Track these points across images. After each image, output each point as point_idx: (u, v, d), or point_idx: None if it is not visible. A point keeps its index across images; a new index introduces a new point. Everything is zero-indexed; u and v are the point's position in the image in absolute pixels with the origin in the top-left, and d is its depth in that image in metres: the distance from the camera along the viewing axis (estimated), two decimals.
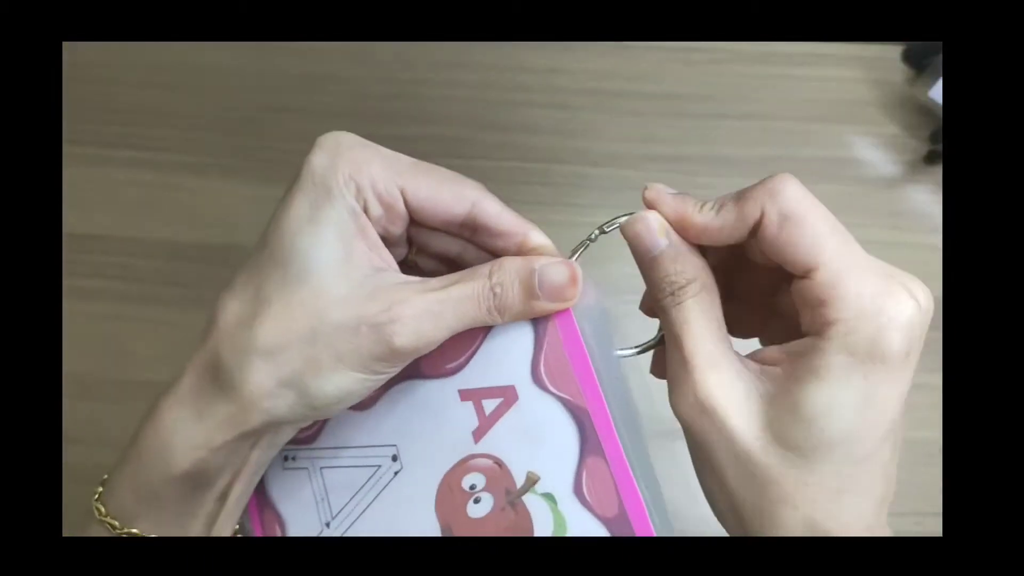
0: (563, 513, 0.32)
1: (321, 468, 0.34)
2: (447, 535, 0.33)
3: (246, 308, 0.29)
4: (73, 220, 0.61)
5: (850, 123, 0.62)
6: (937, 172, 0.59)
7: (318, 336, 0.28)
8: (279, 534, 0.36)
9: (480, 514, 0.33)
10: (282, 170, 0.61)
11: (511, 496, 0.32)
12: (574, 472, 0.31)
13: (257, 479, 0.33)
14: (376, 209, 0.30)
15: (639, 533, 0.31)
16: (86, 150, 0.63)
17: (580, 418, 0.31)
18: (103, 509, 0.32)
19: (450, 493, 0.33)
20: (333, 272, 0.29)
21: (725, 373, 0.29)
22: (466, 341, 0.32)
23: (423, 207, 0.31)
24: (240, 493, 0.32)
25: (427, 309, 0.29)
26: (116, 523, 0.32)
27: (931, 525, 0.51)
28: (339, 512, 0.35)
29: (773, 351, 0.30)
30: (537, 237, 0.32)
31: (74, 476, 0.56)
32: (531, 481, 0.32)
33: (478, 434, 0.33)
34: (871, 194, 0.59)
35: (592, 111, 0.62)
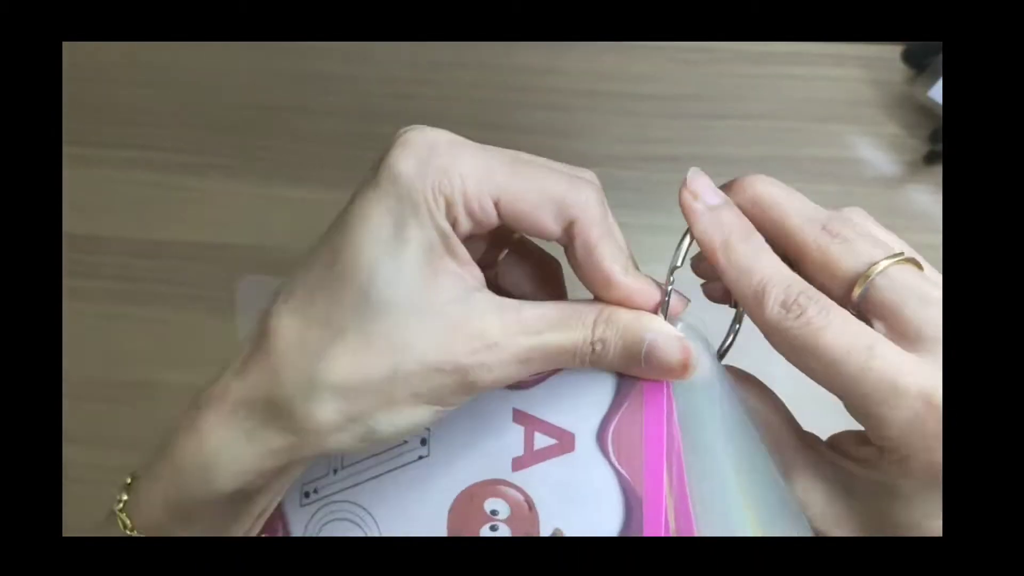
0: None
1: (343, 458, 0.32)
2: None
3: (314, 334, 0.26)
4: (73, 220, 0.61)
5: (850, 123, 0.62)
6: (937, 172, 0.60)
7: (397, 373, 0.26)
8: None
9: None
10: (281, 170, 0.62)
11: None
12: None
13: (284, 491, 0.31)
14: (466, 224, 0.27)
15: None
16: (86, 150, 0.63)
17: (631, 503, 0.28)
18: (129, 522, 0.30)
19: (468, 507, 0.31)
20: (419, 303, 0.26)
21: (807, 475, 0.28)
22: None
23: (515, 220, 0.27)
24: (267, 507, 0.31)
25: (518, 355, 0.27)
26: (143, 535, 0.29)
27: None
28: (350, 464, 0.33)
29: (845, 442, 0.29)
30: (622, 288, 0.28)
31: (74, 476, 0.57)
32: (556, 537, 0.29)
33: (518, 464, 0.30)
34: (871, 194, 0.60)
35: (590, 111, 0.62)
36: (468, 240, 0.28)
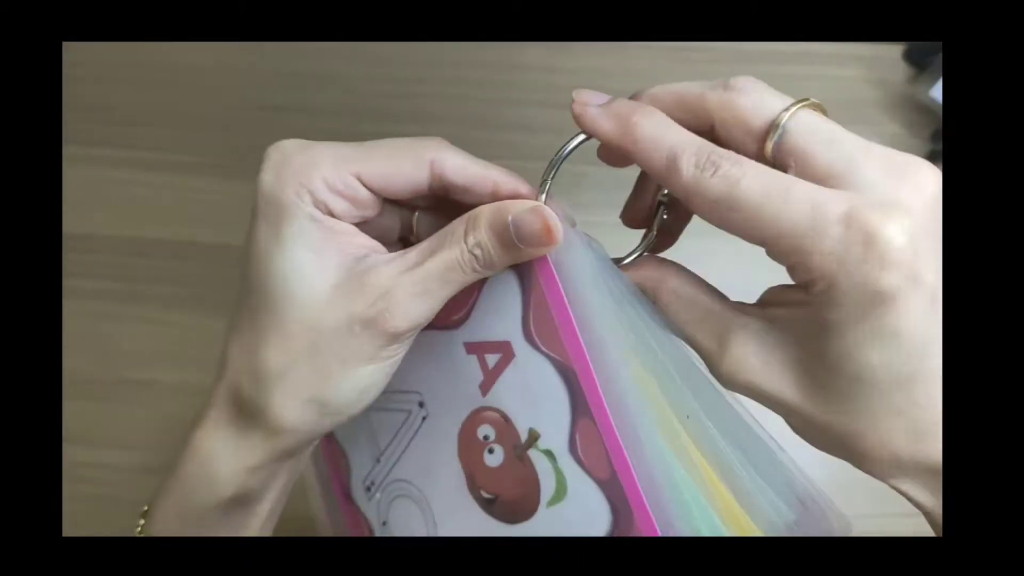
0: (563, 470, 0.31)
1: (368, 410, 0.33)
2: (471, 483, 0.34)
3: (249, 339, 0.30)
4: (73, 220, 0.61)
5: (851, 123, 0.61)
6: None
7: (318, 347, 0.29)
8: (344, 467, 0.39)
9: (495, 464, 0.33)
10: None
11: (518, 450, 0.33)
12: (568, 432, 0.31)
13: (287, 492, 0.34)
14: (339, 204, 0.30)
15: (631, 498, 0.30)
16: (86, 150, 0.63)
17: (569, 379, 0.30)
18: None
19: (468, 442, 0.34)
20: (310, 282, 0.29)
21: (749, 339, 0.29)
22: (467, 292, 0.32)
23: (383, 185, 0.31)
24: (273, 507, 0.33)
25: (412, 290, 0.29)
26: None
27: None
28: (385, 448, 0.37)
29: (773, 296, 0.30)
30: (508, 182, 0.32)
31: (74, 475, 0.57)
32: (532, 438, 0.32)
33: (484, 387, 0.33)
34: None
35: None
36: (379, 216, 0.32)
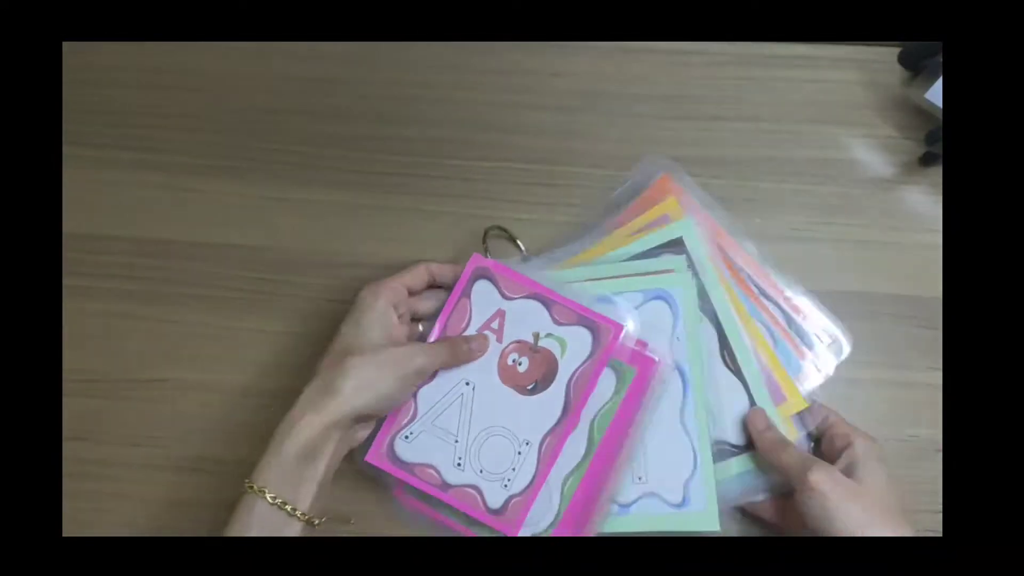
0: (558, 335, 0.53)
1: (431, 421, 0.53)
2: (519, 389, 0.53)
3: (336, 358, 0.49)
4: (75, 220, 0.61)
5: (846, 125, 0.62)
6: (932, 173, 0.60)
7: (375, 363, 0.49)
8: (432, 474, 0.52)
9: (524, 368, 0.53)
10: (283, 171, 0.62)
11: (533, 347, 0.53)
12: (549, 318, 0.54)
13: (337, 463, 0.49)
14: (398, 312, 0.53)
15: (596, 319, 0.53)
16: (86, 151, 0.63)
17: (537, 295, 0.54)
18: (255, 486, 0.45)
19: (504, 371, 0.53)
20: (377, 340, 0.50)
21: None
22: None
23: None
24: (329, 468, 0.48)
25: (429, 353, 0.51)
26: (265, 490, 0.45)
27: (931, 524, 0.51)
28: (458, 432, 0.53)
29: None
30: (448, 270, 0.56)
31: (79, 472, 0.57)
32: (536, 336, 0.54)
33: (499, 338, 0.54)
34: (867, 195, 0.60)
35: (591, 113, 0.62)
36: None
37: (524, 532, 0.51)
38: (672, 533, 0.51)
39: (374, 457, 0.52)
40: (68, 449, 0.56)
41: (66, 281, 0.59)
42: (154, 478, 0.56)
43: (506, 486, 0.51)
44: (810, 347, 0.55)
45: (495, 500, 0.51)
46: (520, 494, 0.51)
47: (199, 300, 0.59)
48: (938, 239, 0.58)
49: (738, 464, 0.52)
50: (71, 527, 0.54)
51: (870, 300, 0.57)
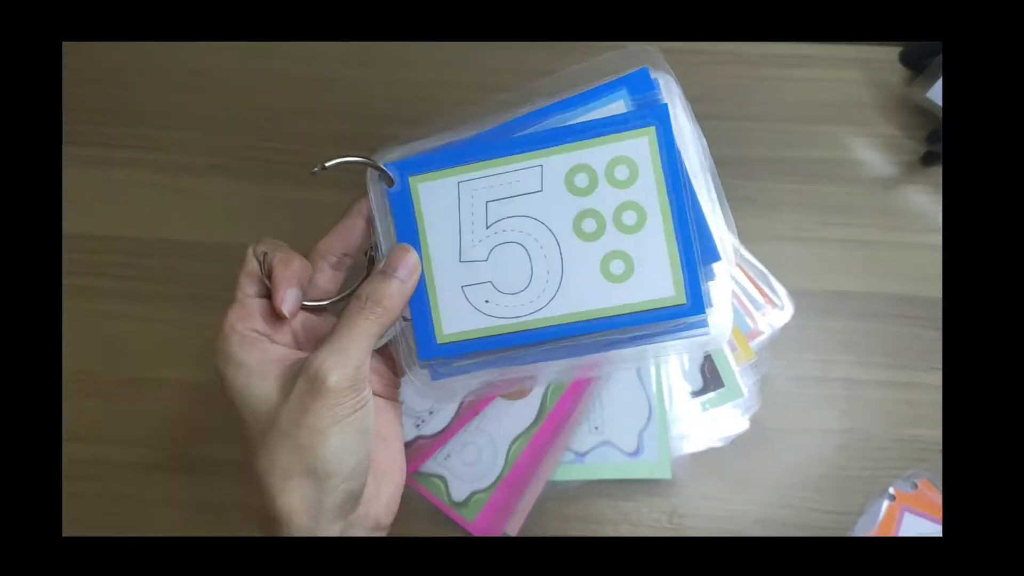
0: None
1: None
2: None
3: (247, 457, 0.36)
4: (73, 219, 0.61)
5: (847, 124, 0.62)
6: (933, 173, 0.60)
7: (284, 430, 0.35)
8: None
9: None
10: (282, 170, 0.62)
11: None
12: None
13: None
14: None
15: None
16: (86, 150, 0.63)
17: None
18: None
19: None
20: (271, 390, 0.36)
21: None
22: None
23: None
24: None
25: (333, 354, 0.35)
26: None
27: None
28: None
29: None
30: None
31: (79, 473, 0.57)
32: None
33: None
34: (868, 195, 0.60)
35: None
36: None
37: (455, 486, 0.52)
38: (625, 479, 0.53)
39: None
40: (68, 449, 0.56)
41: (66, 281, 0.59)
42: (154, 478, 0.56)
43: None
44: (758, 308, 0.56)
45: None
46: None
47: (199, 300, 0.59)
48: (940, 239, 0.58)
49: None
50: (71, 527, 0.54)
51: (871, 300, 0.57)
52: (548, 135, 0.39)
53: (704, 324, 0.38)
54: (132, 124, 0.63)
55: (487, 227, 0.39)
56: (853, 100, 0.63)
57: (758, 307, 0.56)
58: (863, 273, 0.58)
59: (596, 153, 0.38)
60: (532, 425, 0.53)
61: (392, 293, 0.38)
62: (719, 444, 0.54)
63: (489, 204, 0.39)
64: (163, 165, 0.62)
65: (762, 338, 0.55)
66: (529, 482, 0.52)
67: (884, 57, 0.63)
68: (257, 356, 0.37)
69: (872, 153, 0.61)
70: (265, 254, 0.39)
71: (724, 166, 0.62)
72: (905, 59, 0.61)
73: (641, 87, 0.40)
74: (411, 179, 0.40)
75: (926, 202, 0.60)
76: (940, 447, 0.53)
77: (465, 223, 0.39)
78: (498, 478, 0.53)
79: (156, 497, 0.56)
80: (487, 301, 0.39)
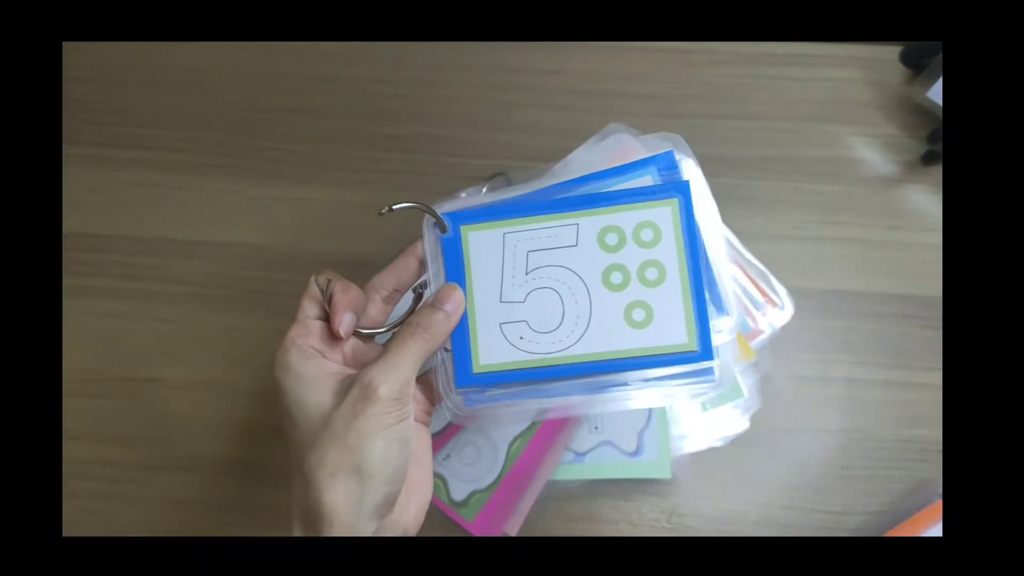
0: None
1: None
2: None
3: (295, 454, 0.40)
4: (74, 219, 0.61)
5: (848, 124, 0.62)
6: (934, 172, 0.60)
7: (336, 432, 0.38)
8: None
9: None
10: (282, 170, 0.62)
11: None
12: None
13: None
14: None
15: None
16: (86, 150, 0.63)
17: None
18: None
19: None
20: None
21: None
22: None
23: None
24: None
25: (385, 367, 0.39)
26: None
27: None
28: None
29: None
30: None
31: (79, 472, 0.57)
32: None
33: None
34: (869, 194, 0.60)
35: (591, 112, 0.62)
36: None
37: (455, 486, 0.53)
38: (625, 479, 0.54)
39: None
40: (68, 449, 0.56)
41: (66, 281, 0.60)
42: (153, 478, 0.56)
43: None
44: (758, 308, 0.56)
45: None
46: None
47: (199, 300, 0.59)
48: (940, 238, 0.58)
49: None
50: (71, 527, 0.54)
51: (871, 300, 0.57)
52: (586, 199, 0.45)
53: (711, 372, 0.43)
54: (132, 124, 0.64)
55: (526, 273, 0.44)
56: (854, 99, 0.63)
57: (758, 307, 0.56)
58: (863, 272, 0.58)
59: (626, 217, 0.44)
60: (532, 425, 0.53)
61: (439, 322, 0.42)
62: (719, 444, 0.54)
63: (530, 254, 0.44)
64: (163, 165, 0.62)
65: (762, 338, 0.55)
66: (529, 482, 0.52)
67: (884, 56, 0.63)
68: (313, 369, 0.41)
69: (872, 152, 0.61)
70: (329, 281, 0.43)
71: (726, 165, 0.63)
72: (905, 58, 0.61)
73: (667, 165, 0.46)
74: (463, 228, 0.45)
75: (927, 201, 0.60)
76: (940, 447, 0.53)
77: (507, 269, 0.44)
78: (498, 478, 0.53)
79: (156, 497, 0.56)
80: (521, 338, 0.44)
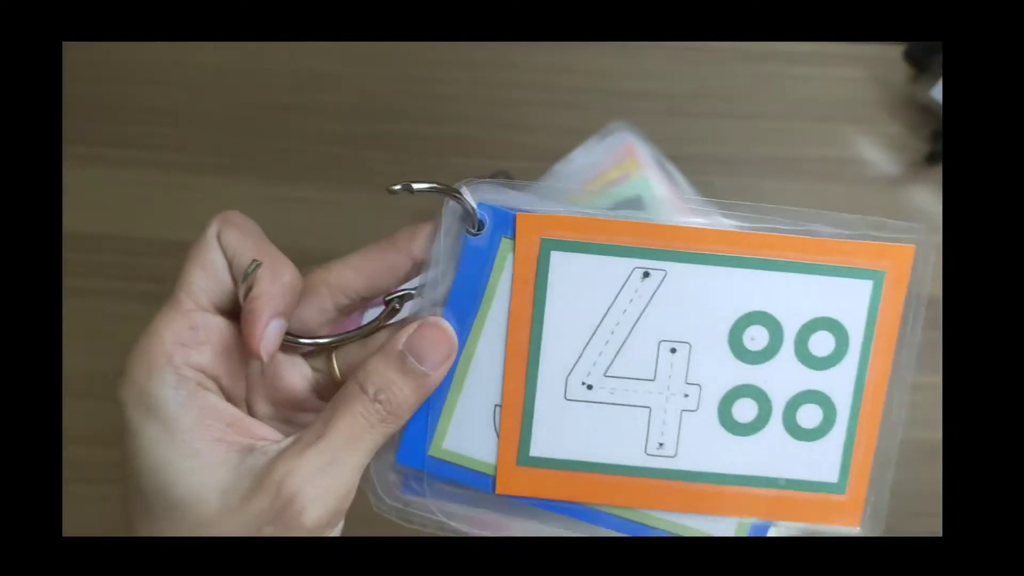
0: None
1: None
2: None
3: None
4: (73, 219, 0.61)
5: (852, 122, 0.62)
6: (938, 171, 0.60)
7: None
8: None
9: None
10: (282, 169, 0.62)
11: None
12: None
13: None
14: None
15: None
16: (86, 150, 0.63)
17: None
18: None
19: None
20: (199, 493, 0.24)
21: None
22: None
23: None
24: None
25: (318, 471, 0.25)
26: None
27: (931, 525, 0.51)
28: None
29: None
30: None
31: (74, 473, 0.57)
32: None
33: None
34: (873, 193, 0.60)
35: (595, 110, 0.62)
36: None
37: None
38: None
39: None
40: (68, 450, 0.56)
41: (66, 281, 0.60)
42: None
43: None
44: None
45: None
46: None
47: None
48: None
49: None
50: (71, 527, 0.54)
51: None
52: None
53: None
54: (132, 124, 0.64)
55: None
56: (857, 98, 0.62)
57: None
58: None
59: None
60: None
61: (407, 394, 0.27)
62: None
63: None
64: (163, 165, 0.62)
65: None
66: None
67: (888, 55, 0.62)
68: (195, 415, 0.26)
69: (877, 151, 0.61)
70: (255, 264, 0.27)
71: (729, 164, 0.63)
72: (909, 57, 0.61)
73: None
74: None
75: (930, 201, 0.60)
76: (940, 447, 0.53)
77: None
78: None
79: None
80: None
